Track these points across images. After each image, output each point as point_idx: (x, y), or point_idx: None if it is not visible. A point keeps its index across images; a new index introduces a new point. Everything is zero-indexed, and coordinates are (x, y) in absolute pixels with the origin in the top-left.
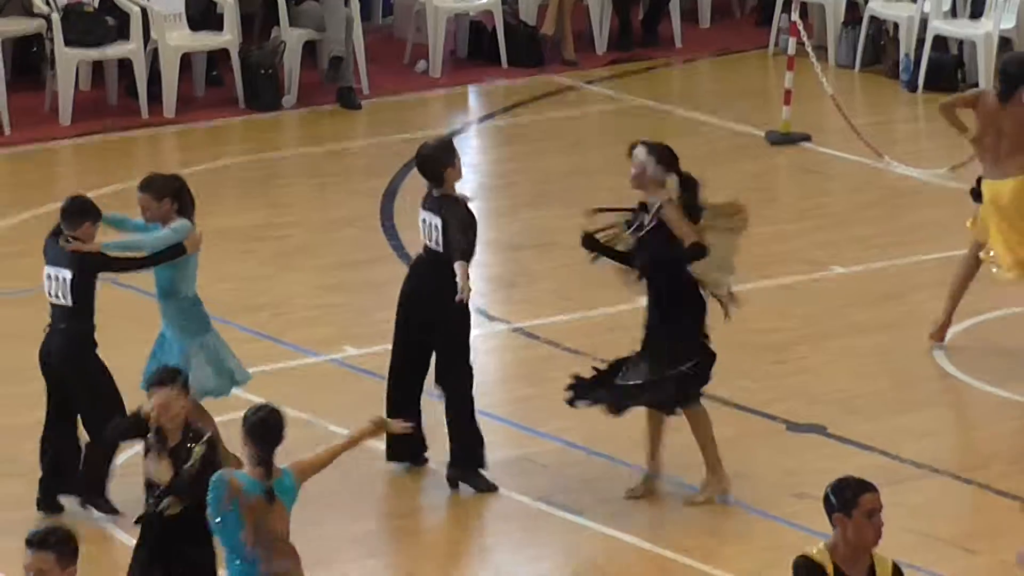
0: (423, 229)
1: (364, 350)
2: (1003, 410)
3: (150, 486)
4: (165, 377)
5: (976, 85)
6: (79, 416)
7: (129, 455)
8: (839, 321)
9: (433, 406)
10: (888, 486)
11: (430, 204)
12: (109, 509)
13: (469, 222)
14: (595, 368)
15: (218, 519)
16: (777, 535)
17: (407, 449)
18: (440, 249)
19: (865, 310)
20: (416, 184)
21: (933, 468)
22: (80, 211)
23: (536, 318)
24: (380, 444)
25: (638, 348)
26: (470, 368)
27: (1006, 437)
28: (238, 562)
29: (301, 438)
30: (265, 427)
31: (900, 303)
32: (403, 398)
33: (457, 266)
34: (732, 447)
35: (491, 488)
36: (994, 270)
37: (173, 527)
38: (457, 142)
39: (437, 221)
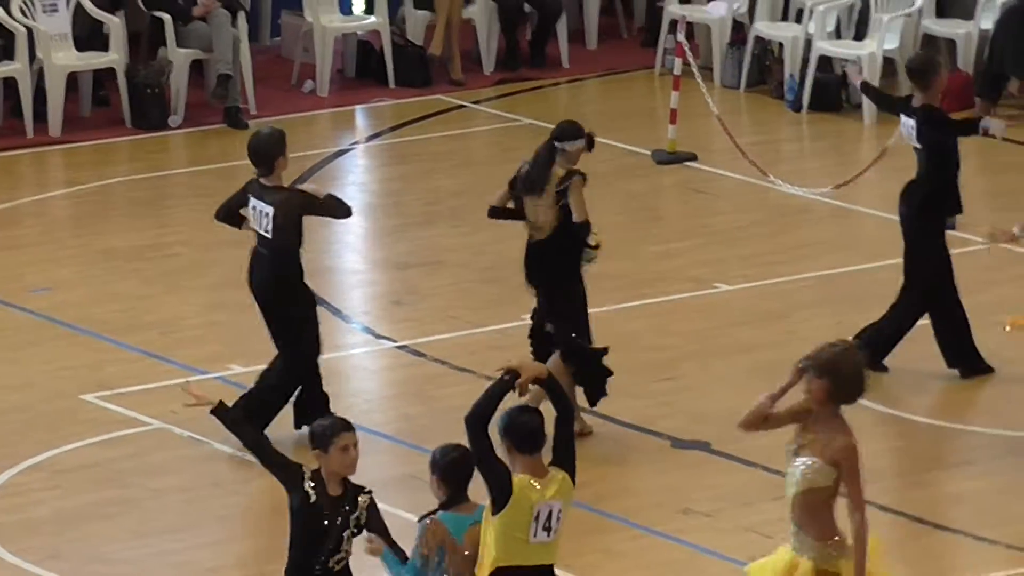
0: (253, 216)
1: (251, 368)
2: (883, 426)
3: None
4: (349, 422)
5: (859, 106)
6: None
7: None
8: (724, 339)
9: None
10: (771, 502)
11: (259, 192)
12: None
13: (306, 201)
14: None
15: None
16: (662, 551)
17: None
18: (270, 236)
19: (749, 328)
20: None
21: None
22: None
23: (423, 336)
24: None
25: None
26: (304, 352)
27: (887, 453)
28: None
29: (188, 456)
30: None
31: (784, 321)
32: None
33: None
34: (617, 463)
35: None
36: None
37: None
38: (342, 161)
39: (269, 210)
